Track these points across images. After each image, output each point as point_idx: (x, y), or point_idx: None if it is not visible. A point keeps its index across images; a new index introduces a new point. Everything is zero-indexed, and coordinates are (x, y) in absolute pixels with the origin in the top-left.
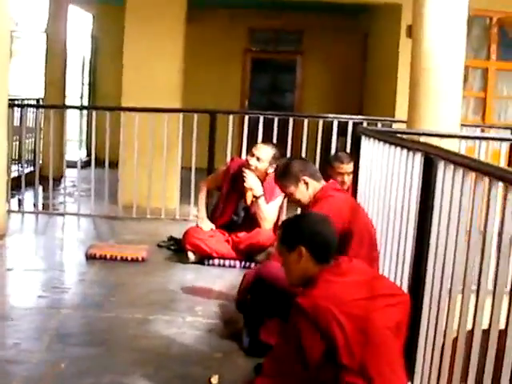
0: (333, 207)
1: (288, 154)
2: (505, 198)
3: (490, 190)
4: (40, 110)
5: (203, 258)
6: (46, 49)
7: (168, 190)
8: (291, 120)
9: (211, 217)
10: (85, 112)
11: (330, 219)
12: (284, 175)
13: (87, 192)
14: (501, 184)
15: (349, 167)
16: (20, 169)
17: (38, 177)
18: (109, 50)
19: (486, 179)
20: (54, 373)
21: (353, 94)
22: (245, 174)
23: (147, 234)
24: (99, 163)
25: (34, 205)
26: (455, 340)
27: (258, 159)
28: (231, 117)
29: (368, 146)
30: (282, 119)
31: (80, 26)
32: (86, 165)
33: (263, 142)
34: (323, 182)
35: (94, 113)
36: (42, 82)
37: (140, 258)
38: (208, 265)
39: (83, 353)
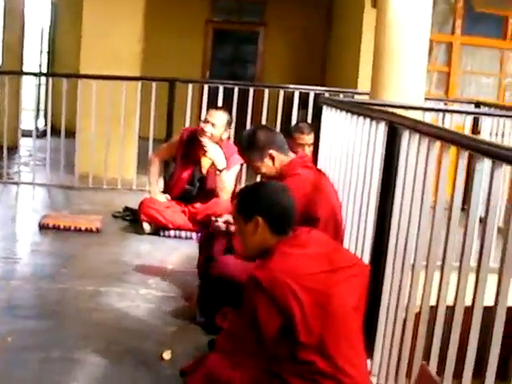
0: (298, 189)
1: (248, 126)
2: (466, 167)
3: (457, 160)
4: None
5: (159, 229)
6: (4, 16)
7: (125, 160)
8: (251, 90)
9: (167, 187)
10: (43, 81)
11: (289, 189)
12: (249, 148)
13: (43, 161)
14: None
15: (309, 138)
16: None
17: None
18: (68, 18)
19: (453, 148)
20: (1, 347)
21: (315, 66)
22: (205, 144)
23: (103, 205)
24: (57, 133)
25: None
26: (418, 316)
27: (212, 125)
28: (190, 86)
29: (330, 115)
30: (242, 90)
31: None
32: (43, 134)
33: (215, 108)
34: (291, 155)
35: (50, 80)
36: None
37: (94, 229)
38: (164, 236)
39: (33, 326)
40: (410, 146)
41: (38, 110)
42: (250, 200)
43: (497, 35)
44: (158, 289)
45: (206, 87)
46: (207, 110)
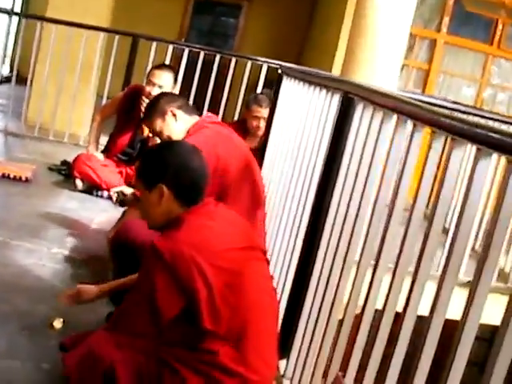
0: (206, 140)
1: (208, 96)
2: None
3: (411, 136)
4: None
5: (92, 188)
6: None
7: (76, 114)
8: (218, 57)
9: (107, 146)
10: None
11: (200, 151)
12: (149, 110)
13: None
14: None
15: (267, 111)
16: None
17: None
18: None
19: (410, 123)
20: None
21: (294, 46)
22: (143, 104)
23: (43, 156)
24: (23, 80)
25: None
26: (342, 321)
27: (159, 87)
28: (154, 44)
29: (288, 86)
30: (210, 58)
31: None
32: (7, 80)
33: (159, 67)
34: (197, 117)
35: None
36: None
37: (24, 178)
38: (96, 196)
39: None
40: (363, 119)
41: (4, 56)
42: (153, 165)
43: (484, 39)
44: (72, 249)
45: (170, 48)
46: (151, 69)
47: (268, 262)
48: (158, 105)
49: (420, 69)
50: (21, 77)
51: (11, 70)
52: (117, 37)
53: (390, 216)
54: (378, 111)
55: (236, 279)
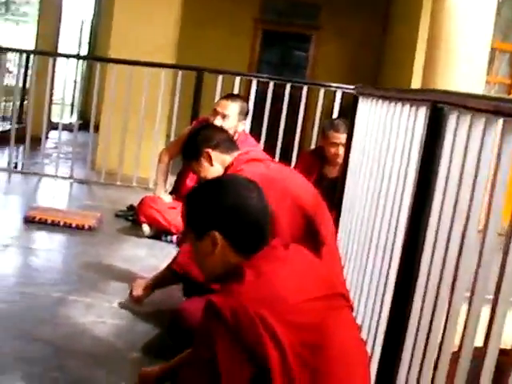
0: None
1: (281, 127)
2: None
3: None
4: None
5: (161, 233)
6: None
7: (143, 156)
8: (288, 86)
9: (175, 186)
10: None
11: (257, 185)
12: (185, 150)
13: (67, 155)
14: None
15: (344, 137)
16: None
17: (16, 136)
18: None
19: None
20: None
21: (369, 70)
22: None
23: (110, 202)
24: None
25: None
26: (455, 356)
27: (223, 117)
28: (220, 77)
29: (365, 107)
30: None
31: None
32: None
33: (226, 96)
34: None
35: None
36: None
37: (87, 226)
38: (165, 241)
39: None
40: (459, 130)
41: (72, 105)
42: (200, 209)
43: None
44: None
45: (237, 80)
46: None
47: (352, 309)
48: (192, 145)
49: (502, 84)
50: (86, 122)
51: (80, 118)
52: (180, 72)
53: (508, 244)
54: (477, 118)
55: (315, 335)
